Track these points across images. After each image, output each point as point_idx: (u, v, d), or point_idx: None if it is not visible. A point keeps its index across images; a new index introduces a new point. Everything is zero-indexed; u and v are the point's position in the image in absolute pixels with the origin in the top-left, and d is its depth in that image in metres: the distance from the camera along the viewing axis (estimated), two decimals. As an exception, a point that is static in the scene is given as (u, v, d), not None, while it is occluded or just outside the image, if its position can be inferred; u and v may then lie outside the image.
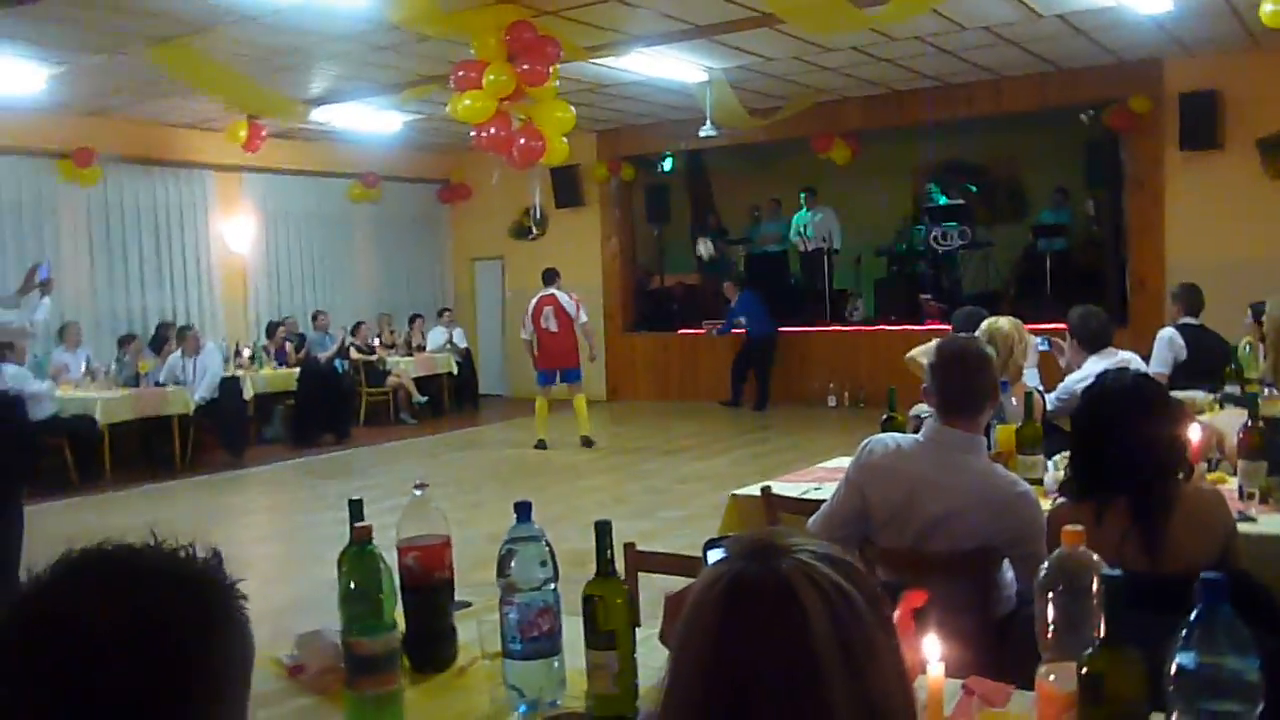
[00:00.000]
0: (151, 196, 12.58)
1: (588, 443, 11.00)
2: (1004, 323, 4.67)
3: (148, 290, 12.57)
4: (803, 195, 14.24)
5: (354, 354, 13.21)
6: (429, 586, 2.08)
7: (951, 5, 8.24)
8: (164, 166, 12.63)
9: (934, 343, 3.10)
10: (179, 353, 10.86)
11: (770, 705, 0.93)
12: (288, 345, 12.72)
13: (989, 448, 3.38)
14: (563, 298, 10.89)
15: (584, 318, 11.13)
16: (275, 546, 7.58)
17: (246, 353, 12.34)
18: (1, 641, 0.94)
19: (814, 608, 0.94)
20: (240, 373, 11.73)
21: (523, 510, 1.90)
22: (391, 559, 1.97)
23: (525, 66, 7.90)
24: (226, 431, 11.04)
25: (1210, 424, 3.93)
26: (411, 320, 14.59)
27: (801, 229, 14.25)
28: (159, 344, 11.44)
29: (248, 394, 11.58)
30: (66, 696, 0.91)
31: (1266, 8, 7.21)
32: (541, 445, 10.93)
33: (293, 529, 8.12)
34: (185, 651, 0.95)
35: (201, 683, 0.97)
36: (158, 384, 10.60)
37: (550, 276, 11.13)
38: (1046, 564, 1.57)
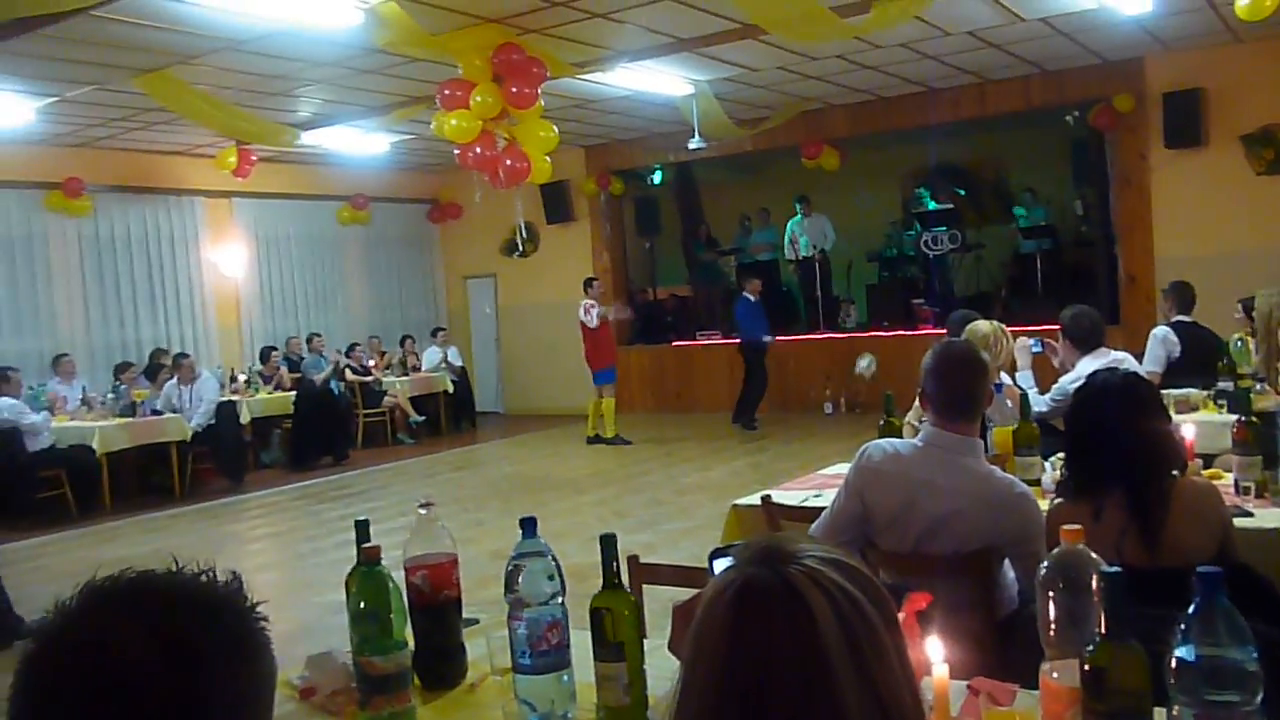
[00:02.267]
0: (143, 225, 12.61)
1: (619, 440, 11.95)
2: (984, 326, 4.72)
3: (141, 319, 12.59)
4: (797, 204, 14.31)
5: (349, 375, 13.22)
6: (437, 605, 2.10)
7: (933, 11, 8.30)
8: (154, 195, 12.66)
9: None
10: (174, 380, 10.87)
11: (783, 707, 0.95)
12: (282, 369, 12.72)
13: (986, 450, 3.41)
14: (580, 306, 11.76)
15: (591, 321, 11.81)
16: (278, 573, 7.57)
17: (242, 378, 12.35)
18: (34, 671, 0.96)
19: (821, 610, 0.96)
20: (236, 398, 11.73)
21: (528, 526, 1.92)
22: (398, 579, 1.99)
23: (513, 89, 7.95)
24: (224, 458, 11.04)
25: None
26: (403, 340, 14.60)
27: (795, 236, 14.29)
28: (154, 372, 11.45)
29: (244, 419, 11.59)
30: None
31: (1242, 1, 7.28)
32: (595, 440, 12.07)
33: (295, 554, 8.11)
34: (214, 675, 0.97)
35: (229, 705, 0.99)
36: (154, 412, 10.60)
37: (584, 284, 12.30)
38: (1046, 562, 1.59)
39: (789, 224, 14.47)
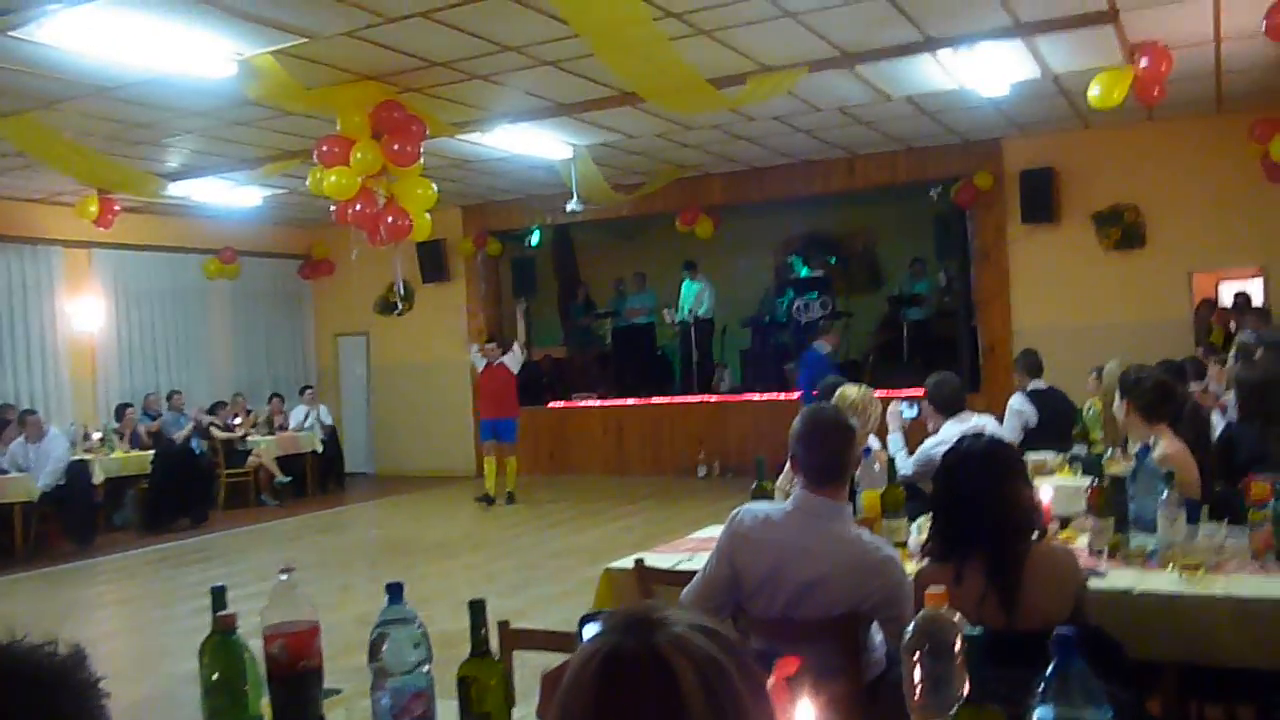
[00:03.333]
0: (-7, 274, 12.03)
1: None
2: (852, 392, 4.85)
3: (-11, 371, 11.95)
4: (685, 270, 14.47)
5: (214, 432, 12.76)
6: (297, 675, 2.01)
7: (807, 87, 8.59)
8: (7, 243, 12.10)
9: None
10: (21, 439, 10.33)
11: None
12: (140, 427, 12.21)
13: (855, 512, 3.47)
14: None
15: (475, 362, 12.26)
16: (127, 641, 7.19)
17: (96, 436, 11.80)
18: None
19: (687, 680, 0.94)
20: (89, 456, 11.20)
21: (394, 591, 1.87)
22: (256, 648, 1.90)
23: (394, 146, 7.89)
24: (73, 519, 10.51)
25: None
26: (271, 398, 14.18)
27: (689, 301, 14.43)
28: (0, 428, 10.85)
29: (97, 479, 11.05)
30: None
31: (1094, 90, 7.74)
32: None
33: (147, 621, 7.73)
34: None
35: None
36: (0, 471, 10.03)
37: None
38: (912, 625, 1.61)
39: (683, 286, 14.59)
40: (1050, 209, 11.55)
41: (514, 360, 12.00)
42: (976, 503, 2.61)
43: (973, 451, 2.72)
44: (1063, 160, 11.53)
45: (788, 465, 4.60)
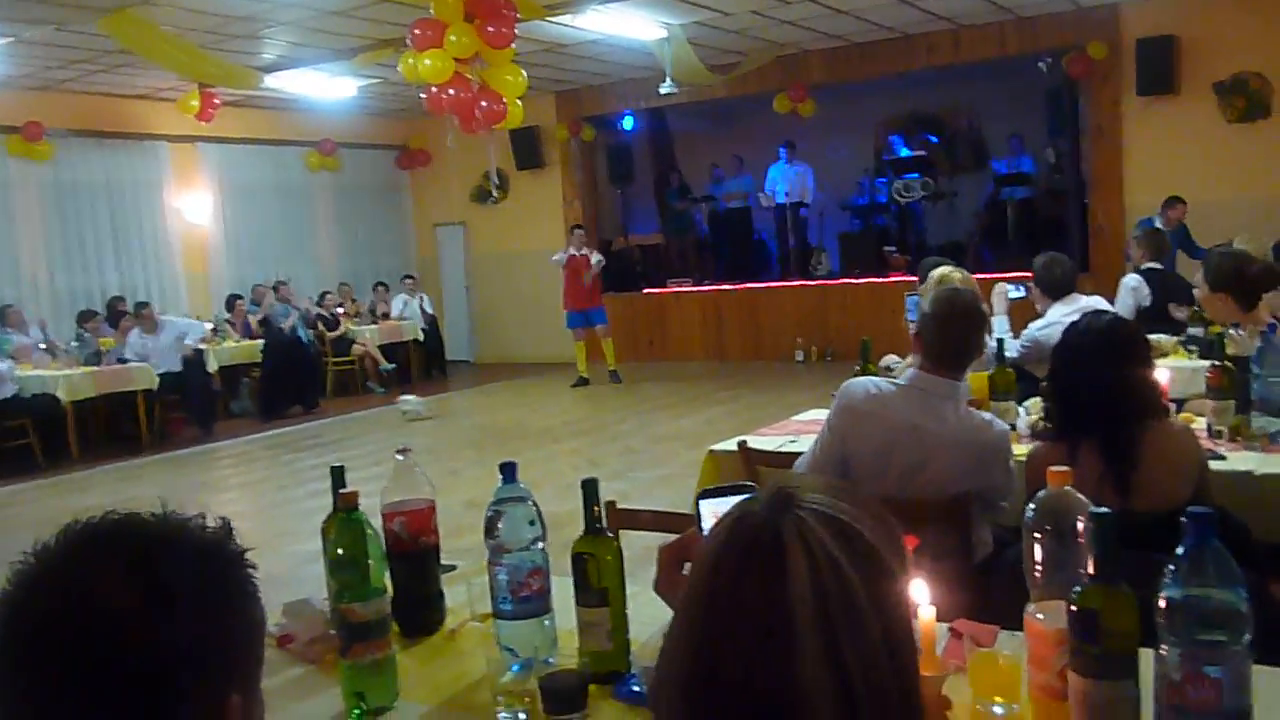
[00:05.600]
0: (105, 171, 12.36)
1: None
2: (954, 276, 4.72)
3: (105, 267, 12.39)
4: (782, 150, 14.17)
5: (319, 326, 13.09)
6: (416, 551, 2.07)
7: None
8: (116, 139, 12.40)
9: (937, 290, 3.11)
10: (138, 330, 10.73)
11: (735, 660, 0.91)
12: (250, 317, 12.58)
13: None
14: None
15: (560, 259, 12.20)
16: (250, 522, 7.51)
17: (209, 326, 12.20)
18: (13, 615, 0.92)
19: (798, 571, 0.92)
20: (204, 346, 11.60)
21: (508, 471, 1.90)
22: (376, 526, 1.96)
23: (489, 28, 7.79)
24: (194, 406, 10.94)
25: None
26: (375, 288, 14.46)
27: (776, 184, 14.19)
28: (115, 320, 11.27)
29: (211, 367, 11.45)
30: (88, 674, 0.90)
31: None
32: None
33: (268, 503, 8.07)
34: (203, 624, 0.94)
35: (219, 654, 0.96)
36: (121, 361, 10.45)
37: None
38: (1034, 504, 1.58)
39: (770, 169, 14.34)
40: (1169, 80, 10.95)
41: (597, 263, 12.11)
42: (1096, 383, 2.54)
43: (1094, 329, 2.63)
44: (1183, 27, 10.88)
45: (893, 351, 4.55)
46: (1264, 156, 10.61)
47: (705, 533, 1.20)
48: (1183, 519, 1.27)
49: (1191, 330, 5.37)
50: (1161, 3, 10.88)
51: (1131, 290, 6.42)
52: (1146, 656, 1.34)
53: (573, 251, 12.01)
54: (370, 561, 1.83)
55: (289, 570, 5.50)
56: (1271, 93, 10.60)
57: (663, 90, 11.13)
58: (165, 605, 0.92)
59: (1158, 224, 9.21)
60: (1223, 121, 10.80)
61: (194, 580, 0.95)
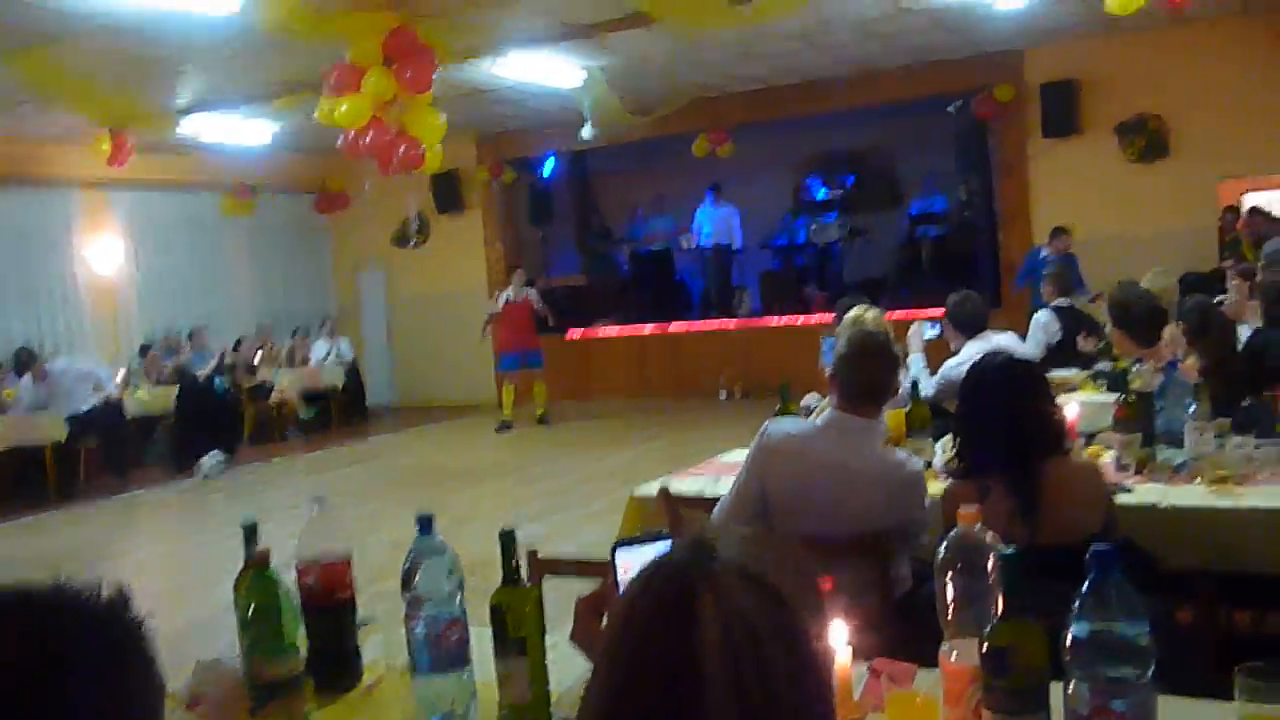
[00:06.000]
0: (11, 216, 12.02)
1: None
2: (869, 315, 4.83)
3: (10, 315, 12.00)
4: (709, 192, 14.31)
5: (236, 370, 12.83)
6: (331, 607, 2.03)
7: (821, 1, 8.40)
8: (23, 184, 12.07)
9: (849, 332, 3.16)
10: (28, 378, 10.40)
11: (650, 705, 0.92)
12: (165, 364, 12.28)
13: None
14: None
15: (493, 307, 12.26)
16: (164, 571, 7.32)
17: (120, 374, 11.87)
18: None
19: (706, 622, 0.91)
20: (114, 391, 11.27)
21: (425, 524, 1.87)
22: (290, 579, 1.92)
23: (407, 74, 7.78)
24: (109, 452, 10.64)
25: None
26: (294, 333, 14.23)
27: (702, 225, 14.30)
28: (22, 370, 10.91)
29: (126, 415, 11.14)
30: None
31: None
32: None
33: (181, 552, 7.86)
34: (90, 696, 0.91)
35: None
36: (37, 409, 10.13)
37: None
38: (945, 544, 1.61)
39: (697, 212, 14.46)
40: (1072, 121, 11.34)
41: (535, 297, 12.14)
42: (997, 421, 2.60)
43: (991, 369, 2.71)
44: (1085, 70, 11.29)
45: (812, 391, 4.61)
46: (1163, 193, 11.01)
47: (620, 583, 1.20)
48: (1086, 556, 1.30)
49: (1099, 365, 5.52)
50: (1063, 47, 11.27)
51: (1042, 326, 6.59)
52: (1057, 690, 1.36)
53: (509, 295, 11.96)
54: (283, 618, 1.79)
55: (208, 617, 5.37)
56: (1169, 132, 11.01)
57: (583, 135, 11.20)
58: (57, 677, 0.89)
59: (1045, 253, 9.59)
60: (1124, 160, 11.19)
61: (88, 651, 0.92)
